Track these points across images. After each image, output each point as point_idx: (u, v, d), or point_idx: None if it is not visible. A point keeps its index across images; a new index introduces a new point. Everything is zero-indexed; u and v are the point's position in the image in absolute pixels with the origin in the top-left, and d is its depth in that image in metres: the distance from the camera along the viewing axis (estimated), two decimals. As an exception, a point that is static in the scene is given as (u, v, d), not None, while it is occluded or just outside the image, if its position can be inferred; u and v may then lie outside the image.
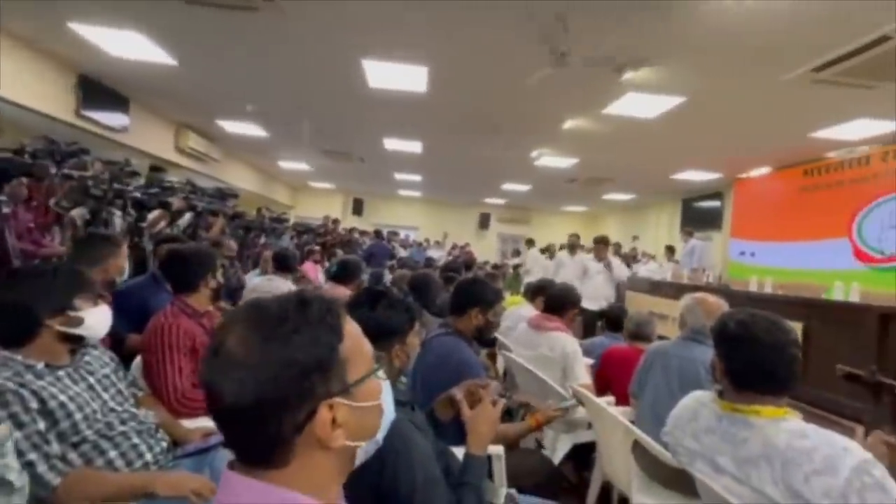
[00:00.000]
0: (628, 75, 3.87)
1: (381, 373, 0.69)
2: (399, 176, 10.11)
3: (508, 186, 10.39)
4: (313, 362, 0.55)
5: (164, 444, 1.36)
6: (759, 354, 1.15)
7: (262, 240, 6.00)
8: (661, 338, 3.03)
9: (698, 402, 1.36)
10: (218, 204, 4.52)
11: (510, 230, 13.70)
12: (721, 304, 1.99)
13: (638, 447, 1.86)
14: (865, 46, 3.20)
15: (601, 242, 5.39)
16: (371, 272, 6.50)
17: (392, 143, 7.12)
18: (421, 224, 14.05)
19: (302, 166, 9.76)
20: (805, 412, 1.16)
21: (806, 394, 2.60)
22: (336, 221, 8.75)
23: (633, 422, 1.97)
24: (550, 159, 7.27)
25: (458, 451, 1.32)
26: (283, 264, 3.60)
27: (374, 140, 7.01)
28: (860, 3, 2.76)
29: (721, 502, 1.18)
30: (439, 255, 11.23)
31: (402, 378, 2.04)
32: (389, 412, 0.68)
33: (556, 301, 2.65)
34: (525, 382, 2.60)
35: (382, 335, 1.14)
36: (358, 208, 13.72)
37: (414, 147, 7.25)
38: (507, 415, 2.53)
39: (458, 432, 1.45)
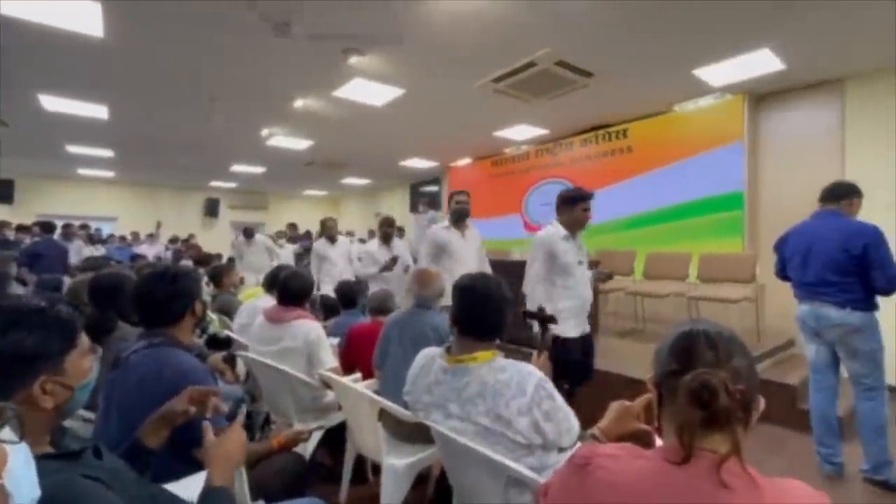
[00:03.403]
0: (354, 59, 3.96)
1: (5, 433, 0.46)
2: (75, 150, 7.57)
3: (239, 168, 9.31)
4: None
5: None
6: (480, 304, 1.41)
7: None
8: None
9: (428, 358, 1.52)
10: None
11: (244, 217, 12.38)
12: (435, 274, 2.31)
13: (384, 414, 1.96)
14: (521, 68, 4.24)
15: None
16: (39, 280, 4.71)
17: (56, 103, 5.21)
18: (121, 213, 11.11)
19: None
20: (503, 348, 1.46)
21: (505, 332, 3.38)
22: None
23: (377, 392, 2.07)
24: (283, 139, 6.86)
25: (176, 486, 1.06)
26: None
27: (24, 96, 4.98)
28: (516, 32, 3.59)
29: (449, 441, 1.35)
30: (154, 252, 9.16)
31: (85, 414, 1.53)
32: (26, 493, 0.46)
33: (289, 293, 2.38)
34: (269, 381, 2.38)
35: (8, 371, 0.77)
36: (5, 193, 9.67)
37: (95, 111, 5.52)
38: (248, 417, 2.26)
39: (174, 461, 1.17)
